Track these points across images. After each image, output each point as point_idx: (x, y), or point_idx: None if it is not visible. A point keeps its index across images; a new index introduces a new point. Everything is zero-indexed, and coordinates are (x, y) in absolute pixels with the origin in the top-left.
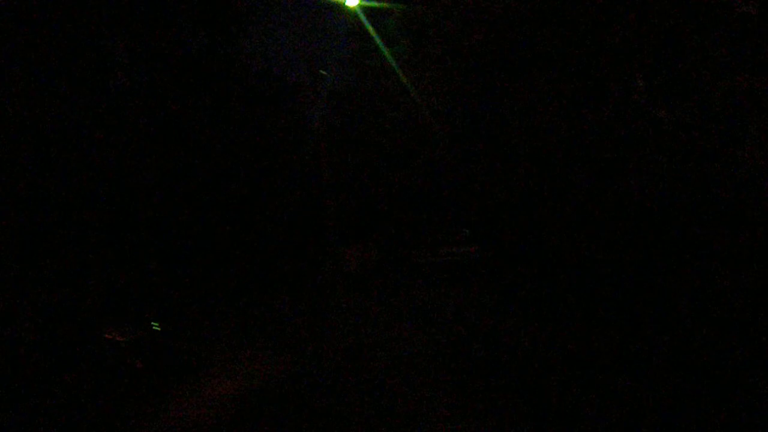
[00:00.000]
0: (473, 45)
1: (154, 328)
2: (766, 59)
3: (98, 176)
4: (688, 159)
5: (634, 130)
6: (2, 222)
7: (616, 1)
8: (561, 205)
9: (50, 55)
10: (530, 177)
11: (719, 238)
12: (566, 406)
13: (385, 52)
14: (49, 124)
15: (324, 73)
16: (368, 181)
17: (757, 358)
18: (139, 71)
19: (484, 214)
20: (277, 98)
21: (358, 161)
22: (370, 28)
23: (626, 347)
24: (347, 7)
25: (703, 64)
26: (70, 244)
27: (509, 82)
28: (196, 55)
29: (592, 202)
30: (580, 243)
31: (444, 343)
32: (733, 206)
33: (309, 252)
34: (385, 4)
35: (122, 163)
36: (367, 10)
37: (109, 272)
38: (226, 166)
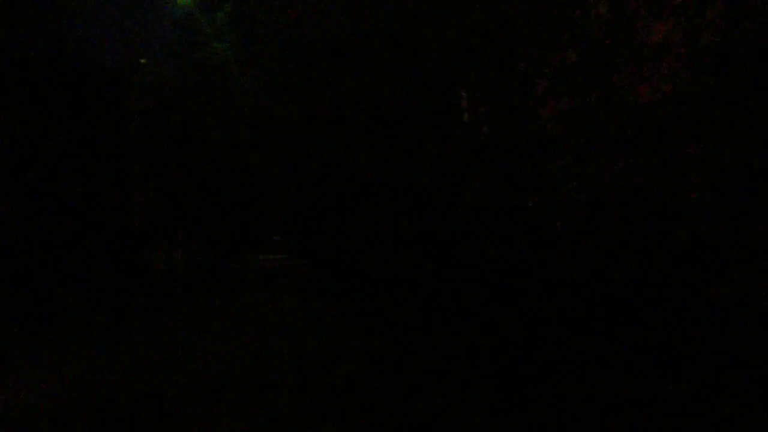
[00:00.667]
0: (305, 44)
1: None
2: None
3: None
4: (508, 171)
5: (460, 144)
6: None
7: (447, 13)
8: (374, 215)
9: None
10: (346, 187)
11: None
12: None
13: (213, 45)
14: None
15: (143, 61)
16: (179, 179)
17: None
18: None
19: (296, 221)
20: (87, 85)
21: (171, 158)
22: (198, 19)
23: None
24: None
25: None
26: None
27: (337, 90)
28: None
29: (411, 214)
30: (399, 251)
31: (268, 354)
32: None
33: (112, 252)
34: None
35: None
36: (197, 1)
37: None
38: (20, 158)
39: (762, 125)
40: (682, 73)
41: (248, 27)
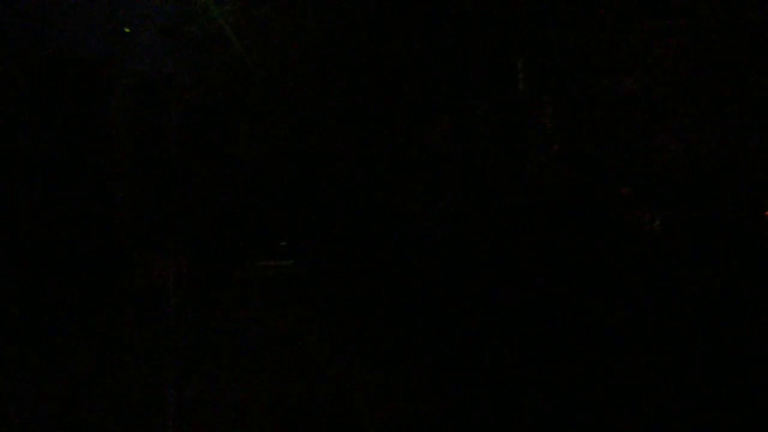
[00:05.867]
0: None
1: None
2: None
3: None
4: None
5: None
6: None
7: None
8: (373, 217)
9: None
10: (352, 187)
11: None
12: None
13: (213, 12)
14: None
15: (128, 30)
16: (177, 179)
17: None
18: None
19: (303, 226)
20: (67, 75)
21: (166, 155)
22: None
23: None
24: None
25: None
26: None
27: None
28: None
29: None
30: (398, 258)
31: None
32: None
33: (101, 262)
34: None
35: None
36: None
37: None
38: None
39: None
40: None
41: None
